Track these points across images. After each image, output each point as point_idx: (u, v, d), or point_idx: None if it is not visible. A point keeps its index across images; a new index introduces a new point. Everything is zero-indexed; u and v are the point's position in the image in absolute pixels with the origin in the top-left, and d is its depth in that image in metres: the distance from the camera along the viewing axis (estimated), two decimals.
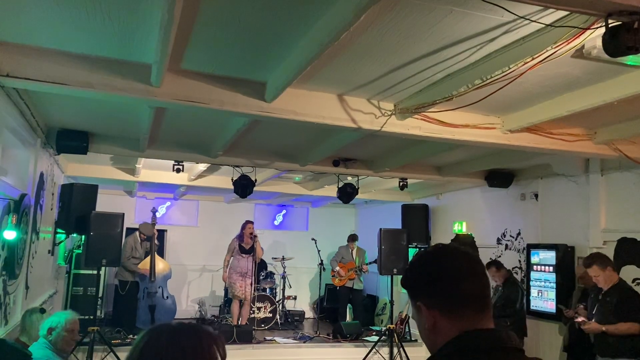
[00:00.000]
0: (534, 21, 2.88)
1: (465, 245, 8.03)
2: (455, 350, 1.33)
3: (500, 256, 7.87)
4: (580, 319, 5.14)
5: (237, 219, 10.28)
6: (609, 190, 6.30)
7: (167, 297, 9.30)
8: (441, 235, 9.38)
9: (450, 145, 5.58)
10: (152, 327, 1.41)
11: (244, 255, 9.27)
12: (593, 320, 5.01)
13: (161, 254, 10.57)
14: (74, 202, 7.62)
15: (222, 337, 1.43)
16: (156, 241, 9.57)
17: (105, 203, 9.04)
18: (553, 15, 2.84)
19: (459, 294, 1.37)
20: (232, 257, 9.44)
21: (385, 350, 8.31)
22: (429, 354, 1.40)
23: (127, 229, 8.99)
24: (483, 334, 1.34)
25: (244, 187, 7.42)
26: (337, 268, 10.27)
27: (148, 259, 9.23)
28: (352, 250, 10.39)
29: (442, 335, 1.36)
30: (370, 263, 10.11)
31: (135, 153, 6.50)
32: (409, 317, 9.74)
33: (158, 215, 10.31)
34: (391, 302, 8.77)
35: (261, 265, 10.84)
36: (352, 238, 10.52)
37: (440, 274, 1.40)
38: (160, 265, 9.41)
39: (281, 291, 10.94)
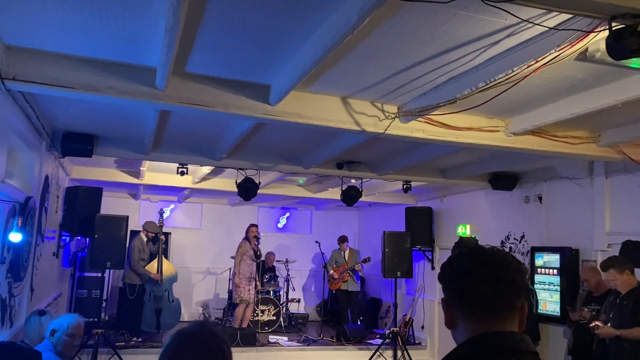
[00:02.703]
0: (538, 24, 2.88)
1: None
2: (467, 353, 1.35)
3: None
4: (593, 324, 5.09)
5: (241, 222, 10.30)
6: (613, 193, 6.29)
7: (173, 300, 9.30)
8: (445, 238, 9.37)
9: (454, 148, 5.58)
10: (178, 331, 1.48)
11: (255, 260, 9.30)
12: (609, 324, 4.97)
13: (165, 257, 10.58)
14: (78, 205, 7.67)
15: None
16: (162, 243, 9.59)
17: (109, 206, 9.09)
18: (556, 18, 2.84)
19: (474, 297, 1.39)
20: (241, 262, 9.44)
21: (389, 354, 8.31)
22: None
23: (132, 231, 9.02)
24: (497, 336, 1.35)
25: (247, 190, 7.44)
26: (331, 272, 10.28)
27: (154, 262, 9.24)
28: (344, 253, 10.36)
29: (459, 333, 1.41)
30: (360, 262, 10.06)
31: (139, 156, 6.52)
32: (412, 320, 9.74)
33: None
34: (395, 305, 8.76)
35: (270, 269, 10.88)
36: (342, 239, 10.48)
37: (461, 275, 1.43)
38: (168, 267, 9.41)
39: (285, 294, 10.94)
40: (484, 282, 1.39)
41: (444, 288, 1.47)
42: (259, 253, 9.33)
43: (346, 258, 10.25)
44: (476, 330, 1.36)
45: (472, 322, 1.38)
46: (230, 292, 10.44)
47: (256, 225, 9.60)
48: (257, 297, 9.49)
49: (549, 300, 6.84)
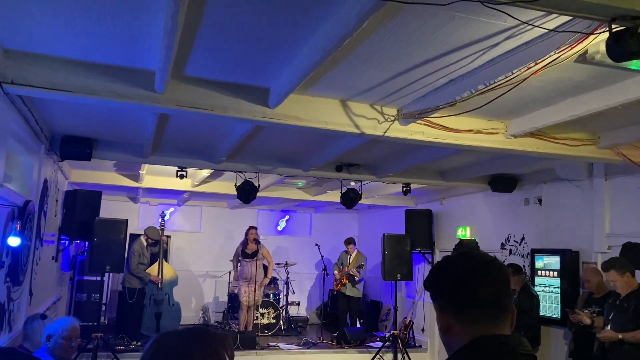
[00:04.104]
0: (537, 26, 2.88)
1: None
2: (465, 358, 1.34)
3: (504, 261, 7.84)
4: (587, 321, 5.08)
5: (241, 225, 10.29)
6: (613, 195, 6.28)
7: (173, 304, 9.27)
8: (445, 240, 9.36)
9: (453, 150, 5.58)
10: (161, 333, 1.43)
11: (247, 260, 9.26)
12: (609, 326, 4.95)
13: (166, 260, 10.56)
14: (77, 209, 7.65)
15: (229, 337, 1.44)
16: (165, 244, 9.57)
17: (108, 209, 9.07)
18: (556, 20, 2.83)
19: (473, 298, 1.37)
20: (239, 264, 9.42)
21: (389, 356, 8.30)
22: None
23: (131, 235, 9.00)
24: (495, 340, 1.34)
25: (247, 193, 7.43)
26: (335, 272, 10.28)
27: (155, 265, 9.22)
28: (350, 255, 10.29)
29: (456, 338, 1.38)
30: (355, 268, 9.92)
31: (138, 159, 6.50)
32: (413, 322, 9.72)
33: None
34: (395, 307, 8.74)
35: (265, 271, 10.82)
36: (347, 241, 10.37)
37: (456, 278, 1.42)
38: (168, 271, 9.39)
39: (285, 297, 10.91)
40: (486, 284, 1.38)
41: (439, 292, 1.44)
42: (250, 252, 9.26)
43: (350, 261, 10.21)
44: (476, 333, 1.34)
45: (472, 325, 1.35)
46: (230, 295, 10.43)
47: (255, 228, 9.58)
48: (256, 299, 9.43)
49: (549, 303, 6.83)
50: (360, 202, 8.20)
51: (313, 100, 4.42)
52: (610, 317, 5.00)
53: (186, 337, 1.38)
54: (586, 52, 3.13)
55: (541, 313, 6.80)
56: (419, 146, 5.52)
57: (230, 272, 10.31)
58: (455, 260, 1.48)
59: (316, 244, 10.58)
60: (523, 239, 7.66)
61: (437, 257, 9.58)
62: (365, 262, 10.12)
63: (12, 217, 4.48)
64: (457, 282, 1.40)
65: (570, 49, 2.98)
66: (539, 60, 3.16)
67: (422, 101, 4.31)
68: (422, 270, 9.82)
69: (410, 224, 9.52)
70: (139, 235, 9.48)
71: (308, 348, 8.83)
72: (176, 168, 7.05)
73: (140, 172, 7.93)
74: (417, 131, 4.77)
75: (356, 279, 9.99)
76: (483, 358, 1.31)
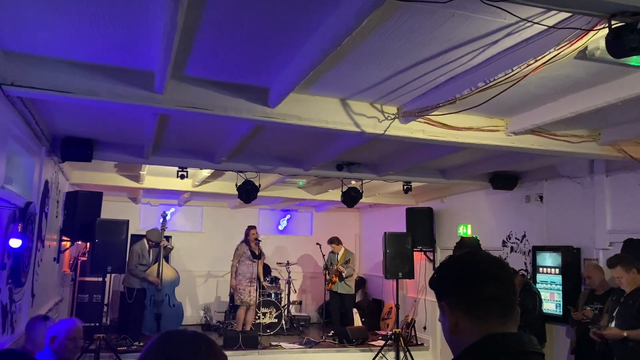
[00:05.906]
0: (537, 23, 2.87)
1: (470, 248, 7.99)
2: (477, 354, 1.33)
3: (506, 259, 7.85)
4: (594, 328, 5.07)
5: (242, 224, 10.28)
6: (614, 191, 6.28)
7: (174, 305, 9.27)
8: (446, 238, 9.36)
9: (454, 148, 5.58)
10: (167, 331, 1.44)
11: (254, 260, 9.27)
12: (613, 323, 4.94)
13: (166, 261, 10.55)
14: (78, 210, 7.66)
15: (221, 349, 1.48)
16: (170, 245, 9.58)
17: (109, 210, 9.08)
18: (556, 17, 2.83)
19: (483, 295, 1.37)
20: (239, 263, 9.42)
21: (391, 355, 8.30)
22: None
23: (132, 235, 9.01)
24: (505, 337, 1.34)
25: (248, 193, 7.43)
26: (325, 271, 10.28)
27: (155, 266, 9.22)
28: (337, 254, 10.27)
29: (465, 336, 1.37)
30: (340, 265, 9.92)
31: (139, 160, 6.51)
32: (414, 321, 9.72)
33: None
34: (397, 306, 8.75)
35: (265, 271, 10.83)
36: (330, 241, 10.37)
37: (465, 275, 1.42)
38: (168, 272, 9.39)
39: (286, 296, 10.91)
40: (496, 280, 1.39)
41: (447, 290, 1.44)
42: (257, 253, 9.30)
43: (339, 259, 10.18)
44: (487, 330, 1.34)
45: (483, 322, 1.35)
46: (231, 295, 10.41)
47: (255, 227, 9.57)
48: (259, 299, 9.47)
49: (551, 300, 6.83)
50: (361, 200, 8.21)
51: (313, 99, 4.42)
52: (614, 314, 4.98)
53: (193, 337, 1.41)
54: (586, 48, 3.13)
55: (543, 310, 6.80)
56: (419, 144, 5.51)
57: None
58: (463, 258, 1.48)
59: (317, 243, 10.57)
60: (524, 236, 7.65)
61: (439, 255, 9.58)
62: (351, 257, 10.10)
63: (14, 219, 4.48)
64: (468, 279, 1.40)
65: (569, 46, 2.98)
66: (539, 57, 3.15)
67: (422, 99, 4.31)
68: (423, 269, 9.81)
69: (412, 222, 9.52)
70: (140, 235, 9.49)
71: (310, 347, 8.84)
72: (177, 168, 7.05)
73: (140, 172, 7.93)
74: (417, 129, 4.77)
75: (343, 275, 9.96)
76: (496, 355, 1.31)
